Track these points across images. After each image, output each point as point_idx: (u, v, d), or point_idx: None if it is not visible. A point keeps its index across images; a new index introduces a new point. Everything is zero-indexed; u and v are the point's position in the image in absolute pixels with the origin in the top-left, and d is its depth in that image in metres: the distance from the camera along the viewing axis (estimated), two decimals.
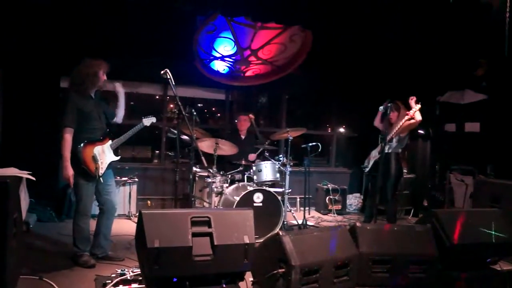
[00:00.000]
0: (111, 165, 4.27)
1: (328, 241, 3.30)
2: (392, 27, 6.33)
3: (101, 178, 4.12)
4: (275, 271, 3.03)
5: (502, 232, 3.86)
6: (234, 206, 5.07)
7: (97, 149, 4.11)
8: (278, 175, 5.78)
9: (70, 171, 3.94)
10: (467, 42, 6.34)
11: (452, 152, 7.50)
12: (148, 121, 4.50)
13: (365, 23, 6.28)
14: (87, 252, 4.16)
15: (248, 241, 3.05)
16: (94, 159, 4.07)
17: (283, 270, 3.00)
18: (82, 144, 4.01)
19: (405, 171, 7.35)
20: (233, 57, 7.29)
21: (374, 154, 5.68)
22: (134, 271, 3.72)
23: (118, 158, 4.33)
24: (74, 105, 4.01)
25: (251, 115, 6.47)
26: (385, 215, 5.68)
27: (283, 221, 5.49)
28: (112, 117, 4.39)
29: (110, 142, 4.25)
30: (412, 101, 5.23)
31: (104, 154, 4.17)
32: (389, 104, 5.00)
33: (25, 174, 3.73)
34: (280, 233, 3.10)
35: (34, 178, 3.81)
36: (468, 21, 5.83)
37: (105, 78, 4.18)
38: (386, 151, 5.23)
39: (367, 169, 5.75)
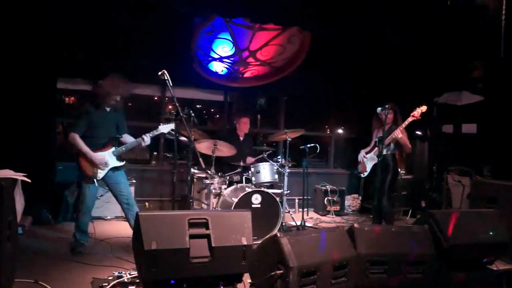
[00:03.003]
0: (116, 169, 4.58)
1: (323, 242, 3.30)
2: (390, 28, 6.35)
3: (96, 182, 4.47)
4: (273, 273, 3.02)
5: (498, 233, 3.88)
6: (232, 208, 5.06)
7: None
8: (276, 176, 5.78)
9: (100, 158, 4.41)
10: (464, 44, 6.35)
11: (449, 153, 7.51)
12: (166, 128, 4.62)
13: (363, 25, 6.30)
14: (83, 240, 4.59)
15: (246, 243, 3.05)
16: (92, 164, 4.42)
17: (281, 271, 2.99)
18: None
19: (402, 172, 7.36)
20: (232, 58, 7.29)
21: (362, 157, 5.60)
22: (131, 273, 3.71)
23: (121, 163, 4.60)
24: (86, 118, 4.47)
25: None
26: (368, 215, 5.68)
27: (282, 223, 5.49)
28: (121, 133, 4.71)
29: (113, 149, 4.55)
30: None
31: (105, 159, 4.48)
32: (386, 106, 4.98)
33: (20, 176, 3.71)
34: (278, 235, 3.10)
35: (29, 180, 3.79)
36: (465, 23, 5.84)
37: (119, 98, 4.56)
38: (384, 153, 5.17)
39: (364, 175, 5.67)
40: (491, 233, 3.83)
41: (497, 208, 4.67)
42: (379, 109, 5.17)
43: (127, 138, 4.71)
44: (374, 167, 5.38)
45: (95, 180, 4.46)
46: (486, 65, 6.76)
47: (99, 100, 4.53)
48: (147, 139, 4.56)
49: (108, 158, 4.49)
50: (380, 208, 5.25)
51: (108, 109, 4.60)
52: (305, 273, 3.01)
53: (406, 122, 5.15)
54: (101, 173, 4.47)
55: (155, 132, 4.62)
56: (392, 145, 5.30)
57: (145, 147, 4.73)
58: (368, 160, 5.55)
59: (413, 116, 5.12)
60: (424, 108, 5.12)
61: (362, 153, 5.65)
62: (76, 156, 4.47)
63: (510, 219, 4.54)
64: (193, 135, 5.05)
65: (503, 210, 4.44)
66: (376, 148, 5.38)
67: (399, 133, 5.12)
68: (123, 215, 6.18)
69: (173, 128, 4.57)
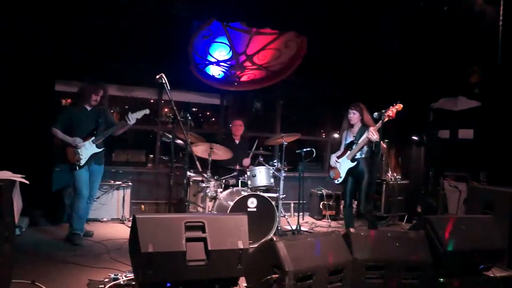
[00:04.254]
0: (96, 157, 5.09)
1: (319, 246, 3.31)
2: (387, 33, 6.38)
3: (78, 167, 4.95)
4: (269, 277, 3.02)
5: (495, 239, 3.89)
6: (228, 211, 5.06)
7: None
8: (272, 180, 5.77)
9: (76, 140, 4.93)
10: (461, 50, 6.39)
11: (446, 159, 7.52)
12: (136, 115, 5.08)
13: (360, 29, 6.33)
14: (78, 231, 4.98)
15: (242, 247, 3.06)
16: (75, 152, 4.94)
17: (277, 275, 3.00)
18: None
19: (398, 177, 7.38)
20: (229, 62, 7.30)
21: (335, 162, 5.35)
22: (127, 275, 3.70)
23: (99, 150, 5.09)
24: (66, 115, 5.06)
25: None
26: (363, 219, 5.62)
27: (277, 227, 5.49)
28: (110, 125, 5.15)
29: (92, 138, 5.02)
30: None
31: (85, 148, 4.97)
32: (383, 111, 4.80)
33: (18, 178, 3.70)
34: (274, 239, 3.10)
35: (27, 182, 3.79)
36: (462, 29, 5.88)
37: (98, 99, 5.09)
38: (357, 156, 5.08)
39: (338, 181, 5.32)
40: (486, 239, 3.85)
41: (494, 214, 4.67)
42: (375, 114, 4.89)
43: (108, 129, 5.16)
44: (349, 172, 5.18)
45: (77, 166, 4.93)
46: (483, 71, 6.80)
47: (78, 100, 5.10)
48: (131, 118, 5.02)
49: (88, 146, 4.99)
50: (350, 213, 5.29)
51: (89, 108, 5.10)
52: (301, 278, 3.01)
53: (381, 123, 4.82)
54: (83, 160, 4.95)
55: (137, 115, 5.06)
56: (365, 148, 5.10)
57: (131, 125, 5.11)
58: (341, 165, 5.28)
59: (388, 115, 4.79)
60: (399, 107, 4.79)
61: (334, 158, 5.39)
62: (62, 150, 4.97)
63: (506, 225, 4.58)
64: (189, 138, 5.05)
65: (499, 216, 4.47)
66: (348, 152, 5.18)
67: (373, 134, 4.83)
68: (119, 217, 6.25)
69: (147, 113, 5.13)
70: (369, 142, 4.97)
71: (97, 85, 5.10)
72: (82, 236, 5.07)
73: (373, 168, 5.17)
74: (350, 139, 5.26)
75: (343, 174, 5.26)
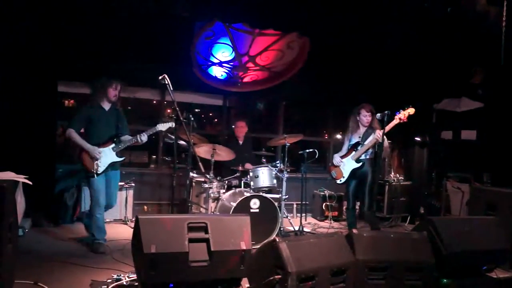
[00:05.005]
0: (114, 165, 4.79)
1: (325, 248, 3.31)
2: (390, 34, 6.37)
3: (96, 175, 4.64)
4: (272, 278, 3.02)
5: (498, 240, 3.88)
6: (230, 212, 5.06)
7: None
8: (275, 181, 5.77)
9: (95, 150, 4.63)
10: (464, 51, 6.38)
11: (449, 160, 7.51)
12: (163, 126, 4.75)
13: (363, 30, 6.32)
14: (101, 240, 4.73)
15: (244, 247, 3.06)
16: (93, 159, 4.63)
17: (280, 276, 3.00)
18: None
19: (401, 178, 7.37)
20: (231, 63, 7.31)
21: (339, 162, 5.32)
22: (130, 276, 3.71)
23: (120, 159, 4.82)
24: (84, 114, 4.77)
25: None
26: (365, 221, 5.61)
27: (280, 228, 5.48)
28: (123, 133, 4.90)
29: (113, 145, 4.74)
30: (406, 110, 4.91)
31: (104, 155, 4.68)
32: (386, 112, 4.80)
33: (21, 178, 3.71)
34: (277, 240, 3.10)
35: (30, 182, 3.80)
36: (465, 30, 5.87)
37: (116, 94, 4.82)
38: (362, 158, 5.07)
39: (341, 181, 5.32)
40: (489, 240, 3.84)
41: (497, 215, 4.67)
42: (378, 115, 4.92)
43: (127, 138, 4.86)
44: (352, 172, 5.17)
45: (95, 174, 4.63)
46: (486, 71, 6.79)
47: (96, 98, 4.83)
48: (144, 138, 4.73)
49: (108, 153, 4.70)
50: (353, 214, 5.24)
51: (106, 107, 4.84)
52: (303, 278, 3.01)
53: (391, 126, 4.86)
54: (101, 168, 4.65)
55: (153, 130, 4.75)
56: (370, 150, 5.11)
57: (141, 143, 4.83)
58: (344, 165, 5.27)
59: (399, 119, 4.83)
60: (411, 111, 4.83)
61: (337, 157, 5.35)
62: (78, 154, 4.69)
63: (509, 226, 4.57)
64: (192, 139, 5.06)
65: (502, 217, 4.46)
66: (353, 153, 5.17)
67: (381, 137, 4.84)
68: (122, 218, 6.25)
69: (171, 126, 4.66)
70: (375, 144, 4.99)
71: (113, 79, 4.83)
72: (105, 242, 4.81)
73: (376, 169, 5.16)
74: (355, 140, 5.24)
75: (346, 175, 5.26)
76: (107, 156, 4.71)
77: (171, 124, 4.67)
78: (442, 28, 5.96)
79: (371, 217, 5.20)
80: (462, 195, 6.80)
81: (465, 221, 4.15)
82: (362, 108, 5.19)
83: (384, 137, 4.87)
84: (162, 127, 4.74)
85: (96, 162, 4.63)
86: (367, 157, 5.14)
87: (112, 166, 4.77)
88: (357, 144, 5.16)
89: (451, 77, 7.14)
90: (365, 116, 5.18)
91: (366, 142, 5.06)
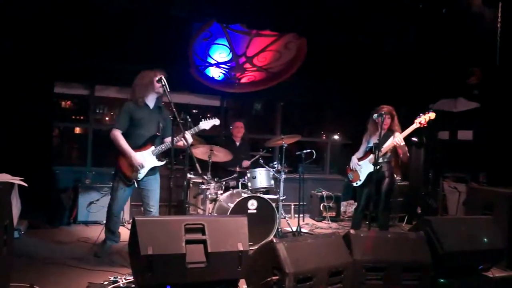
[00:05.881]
0: (153, 171, 4.41)
1: (323, 249, 3.30)
2: (387, 35, 6.39)
3: (136, 183, 4.33)
4: (269, 279, 3.02)
5: (494, 239, 3.89)
6: (228, 213, 5.05)
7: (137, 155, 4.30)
8: (272, 182, 5.76)
9: (138, 159, 4.24)
10: (460, 51, 6.40)
11: (445, 160, 7.54)
12: (207, 124, 4.48)
13: (360, 31, 6.33)
14: (108, 242, 4.52)
15: (242, 249, 3.05)
16: (131, 165, 4.26)
17: (277, 277, 2.99)
18: None
19: (398, 178, 7.37)
20: (229, 64, 7.31)
21: (355, 164, 5.24)
22: (127, 278, 3.70)
23: (161, 163, 4.43)
24: (126, 112, 4.31)
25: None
26: (377, 223, 5.58)
27: (277, 228, 5.48)
28: (165, 135, 4.51)
29: (152, 148, 4.36)
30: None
31: (144, 159, 4.30)
32: (382, 112, 4.83)
33: (17, 180, 3.71)
34: (274, 240, 3.10)
35: (26, 185, 3.79)
36: (461, 30, 5.89)
37: (161, 86, 4.22)
38: (380, 161, 4.92)
39: (357, 184, 5.24)
40: (486, 240, 3.85)
41: (493, 214, 4.68)
42: (375, 115, 4.95)
43: (169, 140, 4.46)
44: (369, 176, 5.06)
45: (135, 181, 4.32)
46: (482, 72, 6.81)
47: (139, 93, 4.34)
48: (188, 136, 4.26)
49: (147, 157, 4.32)
50: (361, 217, 5.18)
51: (151, 105, 4.42)
52: (301, 279, 3.01)
53: (410, 130, 4.83)
54: (141, 174, 4.32)
55: (196, 129, 4.46)
56: (388, 153, 5.03)
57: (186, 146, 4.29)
58: (362, 168, 5.19)
59: (419, 123, 4.75)
60: (432, 115, 4.75)
61: (354, 160, 5.27)
62: (115, 156, 4.35)
63: (506, 226, 4.58)
64: None
65: (498, 217, 4.48)
66: (371, 155, 5.05)
67: (401, 141, 4.80)
68: None
69: (217, 123, 4.51)
70: (393, 148, 4.93)
71: (156, 69, 4.31)
72: (111, 245, 4.57)
73: (393, 172, 5.12)
74: (373, 142, 5.04)
75: (362, 177, 5.18)
76: (146, 160, 4.31)
77: (215, 122, 4.52)
78: (438, 28, 5.98)
79: (384, 221, 5.10)
80: (459, 195, 6.82)
81: (462, 220, 4.15)
82: (382, 110, 5.00)
83: (403, 141, 4.82)
84: (206, 125, 4.47)
85: (135, 167, 4.26)
86: (385, 160, 5.05)
87: (152, 170, 4.40)
88: (375, 146, 4.92)
89: (448, 77, 7.15)
90: (382, 118, 4.96)
91: (384, 146, 4.93)
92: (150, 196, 4.44)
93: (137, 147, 4.31)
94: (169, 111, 4.43)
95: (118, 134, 4.26)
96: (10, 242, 3.34)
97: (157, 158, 4.40)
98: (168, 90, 4.15)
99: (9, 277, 3.42)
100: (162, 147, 4.39)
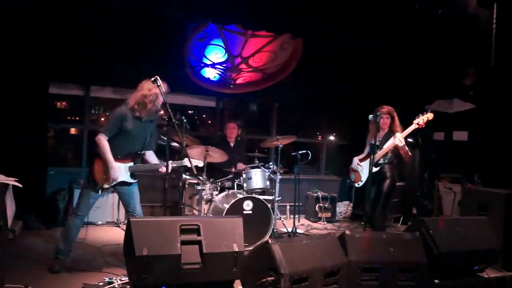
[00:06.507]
0: (123, 185, 4.18)
1: (318, 249, 3.30)
2: (382, 36, 6.41)
3: (100, 191, 4.10)
4: (265, 279, 3.02)
5: (489, 240, 3.90)
6: (223, 214, 5.05)
7: None
8: (268, 182, 5.77)
9: (117, 172, 4.02)
10: (455, 52, 6.42)
11: (441, 161, 7.55)
12: (191, 163, 4.18)
13: (355, 31, 6.35)
14: (62, 255, 4.12)
15: (237, 249, 3.05)
16: (105, 173, 4.05)
17: (273, 278, 2.99)
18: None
19: None
20: (224, 65, 7.31)
21: (356, 165, 5.24)
22: (122, 279, 3.69)
23: (133, 181, 4.22)
24: (119, 120, 4.09)
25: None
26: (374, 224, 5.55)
27: (273, 229, 5.48)
28: (146, 149, 4.34)
29: (130, 164, 4.19)
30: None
31: (119, 172, 4.09)
32: (378, 113, 4.83)
33: (11, 181, 3.68)
34: (270, 241, 3.09)
35: (20, 185, 3.77)
36: (456, 31, 5.92)
37: (161, 101, 4.12)
38: (381, 162, 4.95)
39: (359, 185, 5.25)
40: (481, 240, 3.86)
41: (488, 215, 4.70)
42: (370, 116, 4.87)
43: (150, 157, 4.37)
44: (372, 175, 4.95)
45: (99, 190, 4.10)
46: (477, 73, 6.84)
47: (142, 105, 4.12)
48: (170, 168, 4.11)
49: (122, 171, 4.11)
50: (372, 219, 5.04)
51: (143, 119, 4.19)
52: (296, 280, 3.01)
53: (409, 130, 4.83)
54: (107, 184, 4.09)
55: (179, 163, 4.37)
56: (389, 154, 5.01)
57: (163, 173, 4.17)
58: (363, 168, 5.19)
59: (417, 124, 4.76)
60: (430, 116, 4.75)
61: (356, 160, 5.27)
62: (92, 159, 4.15)
63: (501, 226, 4.60)
64: (185, 141, 5.03)
65: (494, 218, 4.49)
66: (372, 156, 4.97)
67: (401, 141, 4.80)
68: (114, 220, 6.21)
69: (200, 165, 4.44)
70: (394, 148, 4.91)
71: (158, 79, 4.05)
72: (67, 258, 4.20)
73: (395, 173, 5.08)
74: (371, 142, 5.01)
75: (364, 178, 5.18)
76: (120, 174, 4.10)
77: (199, 163, 4.44)
78: (434, 29, 6.01)
79: (381, 221, 5.07)
80: (454, 196, 6.84)
81: (457, 221, 4.16)
82: (380, 111, 5.01)
83: (403, 141, 4.82)
84: (188, 163, 4.20)
85: (106, 176, 4.05)
86: (386, 161, 5.02)
87: (119, 185, 4.16)
88: (373, 147, 4.90)
89: (443, 78, 7.18)
90: (381, 119, 5.01)
91: (384, 146, 4.94)
92: (127, 199, 4.24)
93: (116, 157, 4.09)
94: (160, 117, 4.38)
95: (104, 143, 4.02)
96: (4, 243, 3.32)
97: (130, 175, 4.20)
98: (164, 91, 4.13)
99: (4, 278, 3.40)
100: (140, 167, 4.26)
